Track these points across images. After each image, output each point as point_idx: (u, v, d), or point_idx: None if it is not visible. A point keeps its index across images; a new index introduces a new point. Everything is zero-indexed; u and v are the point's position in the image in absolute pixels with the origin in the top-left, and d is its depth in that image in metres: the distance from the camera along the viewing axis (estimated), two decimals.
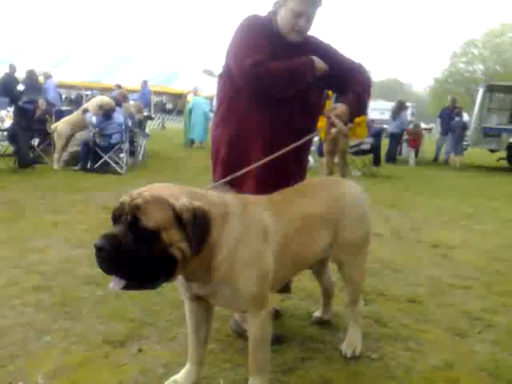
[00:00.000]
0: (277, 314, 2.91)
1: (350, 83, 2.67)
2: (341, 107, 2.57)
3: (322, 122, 2.75)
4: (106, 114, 8.77)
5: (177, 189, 1.81)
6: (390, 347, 2.72)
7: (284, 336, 2.73)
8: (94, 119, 8.71)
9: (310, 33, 2.65)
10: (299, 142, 2.54)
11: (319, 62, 2.57)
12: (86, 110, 8.90)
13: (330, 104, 3.33)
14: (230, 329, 2.79)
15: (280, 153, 2.48)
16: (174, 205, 1.70)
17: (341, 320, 3.00)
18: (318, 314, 3.01)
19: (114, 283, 1.71)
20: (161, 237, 1.67)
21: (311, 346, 2.70)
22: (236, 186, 2.45)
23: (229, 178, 2.45)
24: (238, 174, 2.45)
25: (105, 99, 9.32)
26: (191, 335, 2.21)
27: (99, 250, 1.64)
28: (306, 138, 2.60)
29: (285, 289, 2.85)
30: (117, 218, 1.72)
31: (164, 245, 1.68)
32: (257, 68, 2.39)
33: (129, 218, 1.67)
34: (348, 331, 2.67)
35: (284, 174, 2.63)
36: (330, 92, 4.07)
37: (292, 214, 2.19)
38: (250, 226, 1.95)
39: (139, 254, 1.65)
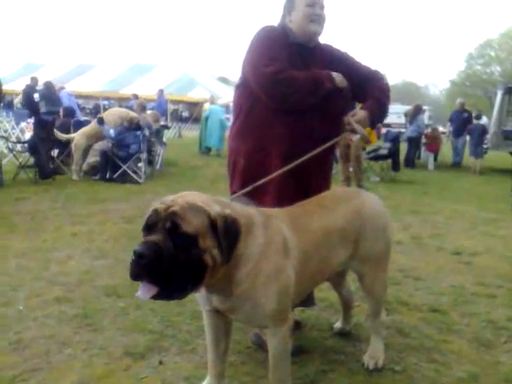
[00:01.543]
0: (298, 325, 2.88)
1: (369, 90, 2.67)
2: (361, 113, 2.58)
3: None
4: (137, 126, 8.89)
5: (206, 197, 1.82)
6: (413, 358, 2.67)
7: (305, 347, 2.71)
8: (111, 132, 8.75)
9: (325, 41, 2.67)
10: (313, 153, 2.50)
11: (339, 77, 2.57)
12: (100, 121, 8.95)
13: None
14: (250, 340, 2.78)
15: (295, 163, 2.46)
16: (209, 212, 1.70)
17: (362, 330, 2.96)
18: (339, 324, 2.97)
19: (143, 292, 1.65)
20: (198, 243, 1.66)
21: (332, 357, 2.66)
22: (256, 198, 2.44)
23: (249, 188, 2.45)
24: (258, 183, 2.44)
25: (131, 113, 9.37)
26: (210, 348, 2.20)
27: (140, 256, 1.61)
28: (321, 148, 2.54)
29: (308, 302, 2.82)
30: (151, 225, 1.70)
31: (200, 251, 1.67)
32: (278, 75, 2.40)
33: (168, 224, 1.66)
34: (370, 342, 2.63)
35: (305, 185, 2.61)
36: None
37: (311, 227, 2.17)
38: (273, 239, 1.94)
39: (178, 260, 1.63)
